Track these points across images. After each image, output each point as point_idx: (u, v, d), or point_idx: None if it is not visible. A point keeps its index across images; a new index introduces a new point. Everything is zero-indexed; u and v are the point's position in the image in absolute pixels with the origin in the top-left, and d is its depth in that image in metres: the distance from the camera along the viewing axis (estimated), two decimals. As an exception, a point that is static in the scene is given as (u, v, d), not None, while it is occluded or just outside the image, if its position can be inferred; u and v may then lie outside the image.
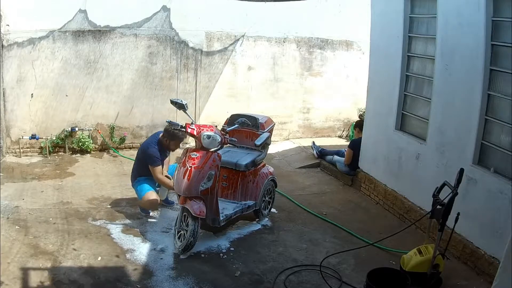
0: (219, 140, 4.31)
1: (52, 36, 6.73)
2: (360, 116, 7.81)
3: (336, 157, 6.75)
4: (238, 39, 7.76)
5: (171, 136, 4.86)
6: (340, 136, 8.61)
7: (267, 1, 5.07)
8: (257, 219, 5.05)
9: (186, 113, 4.40)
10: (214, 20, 7.50)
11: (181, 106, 4.33)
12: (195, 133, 4.29)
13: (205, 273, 3.92)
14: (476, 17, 4.06)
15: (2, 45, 6.42)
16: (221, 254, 4.28)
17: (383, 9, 5.71)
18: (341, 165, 6.53)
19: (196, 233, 4.13)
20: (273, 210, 5.35)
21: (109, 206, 5.20)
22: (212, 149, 4.30)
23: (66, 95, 7.00)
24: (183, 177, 4.16)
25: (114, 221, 4.80)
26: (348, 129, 8.52)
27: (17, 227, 4.51)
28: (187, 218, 4.18)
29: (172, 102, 4.41)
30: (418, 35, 5.15)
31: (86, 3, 6.78)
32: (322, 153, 7.09)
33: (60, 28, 6.75)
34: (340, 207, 5.67)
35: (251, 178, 4.92)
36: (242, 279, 3.89)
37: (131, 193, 5.62)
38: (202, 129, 4.29)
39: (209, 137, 4.26)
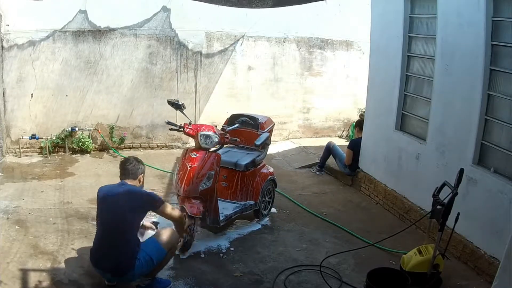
0: (217, 140, 4.32)
1: (52, 36, 6.73)
2: (361, 115, 7.81)
3: (336, 153, 6.69)
4: (238, 39, 7.76)
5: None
6: (340, 136, 8.60)
7: (266, 7, 5.07)
8: (257, 219, 5.05)
9: (183, 113, 4.41)
10: (214, 20, 7.50)
11: (178, 106, 4.35)
12: (193, 133, 4.31)
13: (205, 273, 3.92)
14: (476, 17, 4.06)
15: (2, 45, 6.42)
16: (221, 254, 4.28)
17: (383, 9, 5.71)
18: (341, 166, 6.53)
19: (192, 232, 4.14)
20: (273, 210, 5.35)
21: (109, 206, 5.20)
22: (211, 149, 4.30)
23: (66, 95, 7.00)
24: (183, 177, 4.16)
25: (114, 221, 4.80)
26: (348, 129, 8.52)
27: (17, 227, 4.51)
28: (185, 217, 4.18)
29: (169, 102, 4.42)
30: (418, 35, 5.15)
31: (86, 3, 6.78)
32: (322, 163, 6.90)
33: (61, 29, 6.76)
34: (340, 207, 5.67)
35: (251, 178, 4.92)
36: (242, 279, 3.89)
37: (131, 193, 5.63)
38: (199, 129, 4.31)
39: (206, 136, 4.28)
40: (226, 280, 3.84)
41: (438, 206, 3.60)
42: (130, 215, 3.41)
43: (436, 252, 3.64)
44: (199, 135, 4.26)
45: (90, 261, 3.51)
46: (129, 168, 3.61)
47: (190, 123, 4.38)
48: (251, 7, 5.15)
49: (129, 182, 3.59)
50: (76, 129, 7.11)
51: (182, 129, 4.34)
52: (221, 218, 4.43)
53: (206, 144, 4.28)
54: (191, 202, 4.16)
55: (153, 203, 3.53)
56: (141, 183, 3.68)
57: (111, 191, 3.52)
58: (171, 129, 4.44)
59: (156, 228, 3.99)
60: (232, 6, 5.48)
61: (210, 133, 4.29)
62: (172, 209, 3.63)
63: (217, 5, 5.80)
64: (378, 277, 3.53)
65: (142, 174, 3.69)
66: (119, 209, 3.40)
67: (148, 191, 3.68)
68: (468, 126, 4.23)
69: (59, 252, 4.07)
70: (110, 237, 3.39)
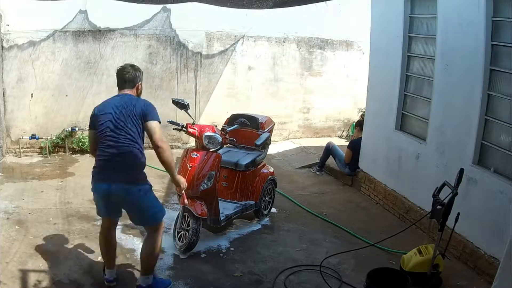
0: (220, 140, 4.33)
1: (52, 36, 6.73)
2: (362, 115, 7.80)
3: (336, 153, 6.69)
4: (238, 39, 7.76)
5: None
6: (340, 136, 8.61)
7: (266, 8, 5.09)
8: (257, 219, 5.05)
9: (187, 113, 4.40)
10: (214, 20, 7.51)
11: (183, 106, 4.32)
12: (196, 133, 4.29)
13: (205, 273, 3.92)
14: (476, 17, 4.06)
15: (2, 45, 6.43)
16: (221, 254, 4.28)
17: (383, 9, 5.71)
18: (341, 166, 6.53)
19: (198, 232, 4.14)
20: (273, 210, 5.35)
21: (109, 206, 5.20)
22: (212, 149, 4.31)
23: (66, 95, 7.00)
24: (184, 177, 4.15)
25: (114, 221, 4.80)
26: (348, 129, 8.52)
27: (17, 227, 4.51)
28: (188, 218, 4.18)
29: (174, 102, 4.40)
30: (418, 35, 5.15)
31: (87, 3, 6.78)
32: (321, 163, 6.91)
33: (61, 29, 6.76)
34: (340, 207, 5.67)
35: (251, 178, 4.92)
36: (242, 279, 3.89)
37: (131, 193, 5.63)
38: (203, 130, 4.30)
39: (210, 137, 4.27)
40: (226, 280, 3.84)
41: (438, 206, 3.60)
42: (133, 122, 3.27)
43: (436, 252, 3.64)
44: (203, 136, 4.26)
45: (95, 182, 3.40)
46: (125, 77, 3.47)
47: (193, 123, 4.38)
48: (252, 8, 5.17)
49: (127, 91, 3.45)
50: (76, 129, 7.11)
51: (185, 129, 4.33)
52: (221, 218, 4.43)
53: (209, 145, 4.28)
54: (195, 202, 4.16)
55: (151, 111, 3.31)
56: (139, 90, 3.54)
57: (110, 102, 3.40)
58: (174, 129, 4.44)
59: None
60: (232, 7, 5.50)
61: (214, 134, 4.30)
62: (162, 138, 3.28)
63: (218, 6, 5.81)
64: (378, 277, 3.53)
65: (140, 82, 3.53)
66: (122, 118, 3.27)
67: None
68: (468, 126, 4.23)
69: (59, 252, 4.07)
70: (116, 147, 3.23)
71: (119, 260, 4.03)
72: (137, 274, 3.82)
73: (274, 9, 7.22)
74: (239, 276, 3.93)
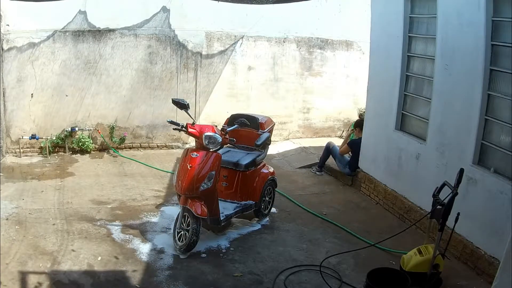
0: (220, 140, 4.33)
1: (52, 36, 6.73)
2: (360, 115, 7.80)
3: (335, 153, 6.69)
4: (238, 39, 7.76)
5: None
6: (340, 136, 8.60)
7: (267, 3, 5.10)
8: (257, 219, 5.05)
9: (187, 113, 4.40)
10: (214, 20, 7.50)
11: (183, 106, 4.33)
12: (196, 133, 4.29)
13: (205, 273, 3.92)
14: (476, 17, 4.06)
15: (2, 45, 6.42)
16: (221, 254, 4.28)
17: (383, 9, 5.71)
18: (341, 166, 6.52)
19: (198, 232, 4.14)
20: (273, 210, 5.35)
21: (109, 206, 5.20)
22: (212, 149, 4.31)
23: (66, 95, 7.00)
24: (184, 177, 4.16)
25: (114, 221, 4.80)
26: (348, 129, 8.52)
27: (16, 227, 4.50)
28: (188, 218, 4.18)
29: (174, 101, 4.40)
30: (418, 35, 5.15)
31: (86, 4, 6.78)
32: (321, 163, 6.91)
33: (60, 29, 6.75)
34: (340, 207, 5.67)
35: (251, 178, 4.92)
36: (242, 279, 3.89)
37: (131, 193, 5.63)
38: (203, 130, 4.30)
39: (210, 137, 4.27)
40: (226, 280, 3.84)
41: (438, 206, 3.60)
42: None
43: (436, 252, 3.64)
44: (203, 136, 4.26)
45: None
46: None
47: (193, 123, 4.38)
48: (252, 3, 5.17)
49: None
50: (76, 129, 7.11)
51: (185, 129, 4.33)
52: (221, 218, 4.43)
53: (209, 145, 4.28)
54: (195, 202, 4.15)
55: None
56: None
57: None
58: (174, 129, 4.45)
59: None
60: (233, 2, 5.49)
61: (214, 134, 4.30)
62: None
63: (218, 2, 5.80)
64: (378, 277, 3.54)
65: None
66: None
67: None
68: (468, 126, 4.23)
69: (59, 253, 4.06)
70: None
71: (119, 260, 4.03)
72: (136, 275, 3.82)
73: (274, 9, 7.24)
74: (239, 276, 3.93)
